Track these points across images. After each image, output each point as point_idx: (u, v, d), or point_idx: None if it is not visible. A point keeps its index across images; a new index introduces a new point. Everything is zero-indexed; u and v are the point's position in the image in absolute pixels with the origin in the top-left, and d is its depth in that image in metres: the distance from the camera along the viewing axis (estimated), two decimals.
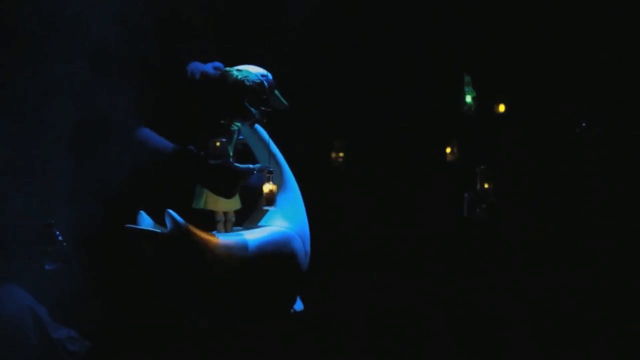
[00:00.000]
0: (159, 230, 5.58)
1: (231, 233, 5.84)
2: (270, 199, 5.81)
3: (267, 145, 5.99)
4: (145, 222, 5.66)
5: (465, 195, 7.38)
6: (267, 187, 5.82)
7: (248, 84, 5.83)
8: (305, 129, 8.08)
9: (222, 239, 5.69)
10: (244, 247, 5.70)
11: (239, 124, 5.91)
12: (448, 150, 8.23)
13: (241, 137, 6.00)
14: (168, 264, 5.60)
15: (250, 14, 7.62)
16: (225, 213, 5.90)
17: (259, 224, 5.97)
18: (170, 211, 5.51)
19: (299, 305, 6.14)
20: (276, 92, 5.97)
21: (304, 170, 8.07)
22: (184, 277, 5.62)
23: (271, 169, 5.87)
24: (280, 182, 6.01)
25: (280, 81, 6.89)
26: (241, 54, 6.40)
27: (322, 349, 6.66)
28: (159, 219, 5.67)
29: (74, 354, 5.91)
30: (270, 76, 5.95)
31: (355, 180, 8.31)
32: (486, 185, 7.33)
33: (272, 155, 6.05)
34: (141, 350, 5.94)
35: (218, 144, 5.75)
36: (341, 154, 8.31)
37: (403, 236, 8.13)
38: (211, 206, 5.86)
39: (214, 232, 5.82)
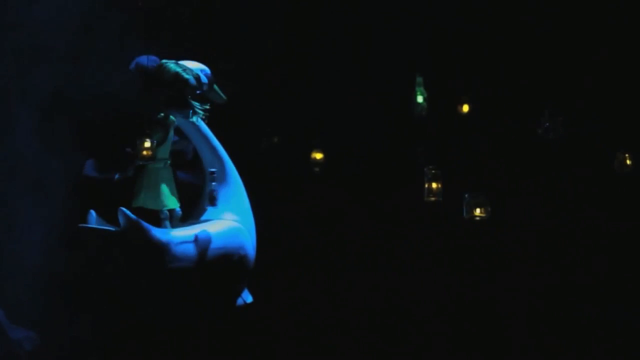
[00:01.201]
0: (112, 229, 5.57)
1: (181, 228, 5.86)
2: (213, 198, 5.88)
3: (208, 139, 6.00)
4: (96, 221, 5.63)
5: (466, 195, 7.45)
6: (210, 187, 5.89)
7: (186, 76, 5.81)
8: (283, 128, 8.15)
9: (174, 234, 5.72)
10: (196, 241, 5.73)
11: (174, 119, 5.89)
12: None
13: (176, 137, 5.98)
14: (123, 261, 5.62)
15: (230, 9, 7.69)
16: (169, 210, 5.88)
17: (204, 218, 6.00)
18: (123, 208, 5.52)
19: (248, 297, 6.17)
20: (215, 86, 5.96)
21: (284, 171, 8.23)
22: (140, 273, 5.64)
23: (213, 170, 5.92)
24: (222, 176, 6.03)
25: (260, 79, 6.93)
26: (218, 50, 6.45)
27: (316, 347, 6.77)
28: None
29: (31, 354, 5.95)
30: (208, 70, 5.93)
31: (335, 180, 8.40)
32: (434, 185, 7.40)
33: (213, 149, 6.04)
34: (102, 349, 6.01)
35: (147, 144, 5.73)
36: (319, 155, 8.38)
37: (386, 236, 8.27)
38: (149, 204, 5.84)
39: (167, 229, 5.82)
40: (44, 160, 6.15)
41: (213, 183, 5.92)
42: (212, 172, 5.92)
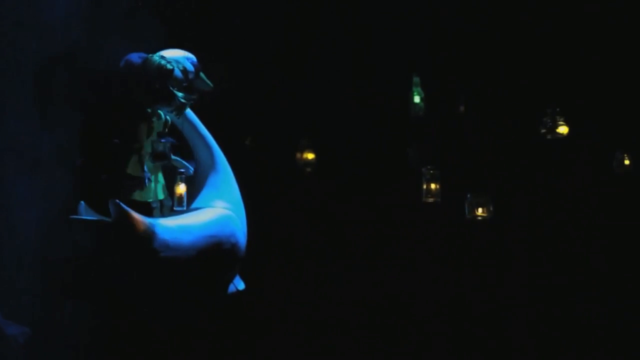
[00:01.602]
0: (103, 219, 5.54)
1: (172, 217, 5.85)
2: (181, 200, 5.89)
3: (196, 128, 6.01)
4: (88, 212, 5.61)
5: (468, 196, 7.46)
6: (179, 189, 5.88)
7: (170, 67, 5.79)
8: (282, 127, 8.17)
9: (165, 223, 5.70)
10: (188, 230, 5.73)
11: (163, 113, 5.88)
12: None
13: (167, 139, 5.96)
14: (115, 253, 5.59)
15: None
16: (160, 200, 5.89)
17: (195, 206, 6.00)
18: (115, 200, 5.47)
19: (240, 284, 6.18)
20: (201, 74, 5.94)
21: (284, 171, 8.25)
22: (131, 264, 5.61)
23: (182, 170, 5.92)
24: (211, 163, 6.06)
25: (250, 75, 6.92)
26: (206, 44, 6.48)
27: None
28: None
29: (26, 347, 5.93)
30: (194, 58, 5.92)
31: (334, 180, 8.39)
32: (432, 186, 7.40)
33: (201, 136, 6.06)
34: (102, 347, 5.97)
35: (162, 145, 5.77)
36: (310, 155, 8.37)
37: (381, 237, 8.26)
38: (136, 196, 5.83)
39: (158, 218, 5.81)
40: (42, 158, 6.18)
41: (181, 184, 5.92)
42: (181, 173, 5.92)
